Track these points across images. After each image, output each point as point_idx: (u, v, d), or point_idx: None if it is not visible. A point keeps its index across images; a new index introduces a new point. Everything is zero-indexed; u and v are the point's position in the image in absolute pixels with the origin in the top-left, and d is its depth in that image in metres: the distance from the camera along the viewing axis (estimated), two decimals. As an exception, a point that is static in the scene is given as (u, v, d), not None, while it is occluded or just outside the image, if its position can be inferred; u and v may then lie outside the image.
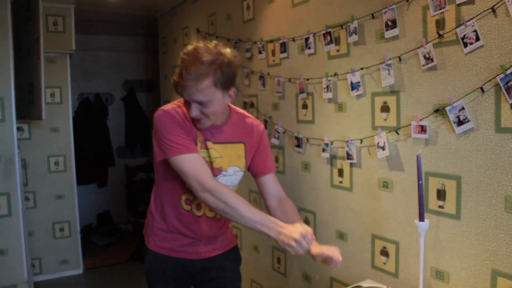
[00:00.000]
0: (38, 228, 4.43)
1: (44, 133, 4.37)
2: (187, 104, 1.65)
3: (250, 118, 1.93)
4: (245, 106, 3.22)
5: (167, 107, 1.77)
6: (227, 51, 1.65)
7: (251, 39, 3.11)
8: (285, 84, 2.80)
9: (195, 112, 1.64)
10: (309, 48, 2.53)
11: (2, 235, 3.22)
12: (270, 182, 1.93)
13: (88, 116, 5.89)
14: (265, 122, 2.98)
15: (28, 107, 3.67)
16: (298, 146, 2.70)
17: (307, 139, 2.63)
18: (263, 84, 3.00)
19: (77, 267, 4.63)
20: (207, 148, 1.76)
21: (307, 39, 2.54)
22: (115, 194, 6.38)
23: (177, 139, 1.68)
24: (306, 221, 2.69)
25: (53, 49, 4.26)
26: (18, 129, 3.92)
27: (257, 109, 3.10)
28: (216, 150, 1.78)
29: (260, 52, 2.99)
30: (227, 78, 1.62)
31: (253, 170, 1.94)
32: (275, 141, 2.89)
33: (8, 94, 3.19)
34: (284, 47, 2.74)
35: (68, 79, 4.45)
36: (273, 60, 2.89)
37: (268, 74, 2.94)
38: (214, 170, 1.77)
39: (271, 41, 2.88)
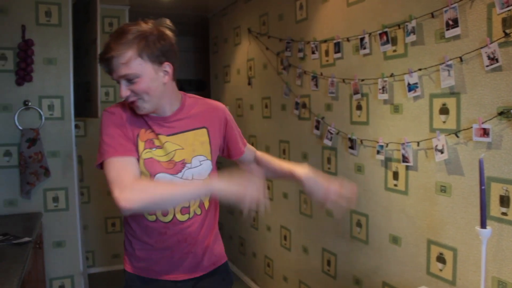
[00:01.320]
0: (91, 222, 4.60)
1: (99, 130, 4.49)
2: (119, 84, 1.50)
3: (207, 100, 1.76)
4: (297, 106, 3.21)
5: (112, 106, 1.63)
6: (160, 23, 1.54)
7: (304, 39, 3.09)
8: (338, 85, 2.76)
9: (124, 91, 1.49)
10: (364, 48, 2.48)
11: (61, 228, 3.35)
12: (247, 157, 1.88)
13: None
14: (318, 122, 2.96)
15: (84, 105, 3.80)
16: (352, 147, 2.66)
17: (361, 141, 2.58)
18: (316, 85, 2.98)
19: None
20: (159, 146, 1.59)
21: (362, 39, 2.49)
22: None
23: (109, 141, 1.52)
24: (359, 224, 2.65)
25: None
26: (75, 126, 4.07)
27: (310, 110, 3.08)
28: (173, 142, 1.61)
29: (313, 52, 2.97)
30: (156, 50, 1.48)
31: (227, 154, 1.82)
32: (327, 142, 2.86)
33: (68, 93, 3.31)
34: (338, 47, 2.71)
35: (123, 78, 4.57)
36: (327, 60, 2.86)
37: (321, 74, 2.91)
38: (177, 164, 1.60)
39: (325, 41, 2.85)
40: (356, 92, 2.59)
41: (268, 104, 3.72)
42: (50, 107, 3.26)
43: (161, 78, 1.52)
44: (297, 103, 3.21)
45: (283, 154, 3.50)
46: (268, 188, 3.81)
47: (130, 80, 1.47)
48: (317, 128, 2.99)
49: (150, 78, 1.49)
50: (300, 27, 3.15)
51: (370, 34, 2.45)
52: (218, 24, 4.86)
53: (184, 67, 6.61)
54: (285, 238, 3.57)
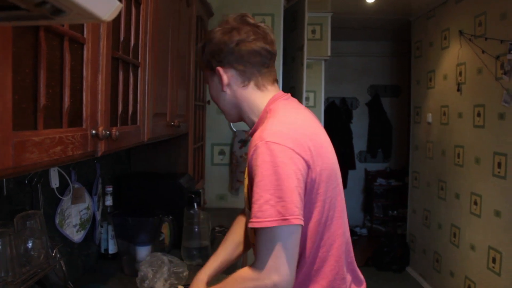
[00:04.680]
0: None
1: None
2: None
3: (260, 130, 1.21)
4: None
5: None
6: (234, 19, 1.33)
7: (534, 39, 2.74)
8: None
9: None
10: None
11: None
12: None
13: (333, 120, 6.10)
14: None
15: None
16: None
17: None
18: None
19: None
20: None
21: None
22: (352, 196, 6.47)
23: None
24: None
25: (311, 55, 4.51)
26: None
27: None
28: None
29: (546, 55, 2.61)
30: (205, 54, 1.33)
31: None
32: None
33: (276, 98, 3.49)
34: None
35: (322, 84, 4.67)
36: None
37: (556, 79, 2.54)
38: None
39: None
40: None
41: (481, 112, 3.39)
42: (260, 111, 3.48)
43: (218, 85, 1.35)
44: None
45: (498, 167, 3.15)
46: (476, 203, 3.47)
47: None
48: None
49: (211, 86, 1.39)
50: (528, 26, 2.80)
51: None
52: (422, 27, 4.63)
53: (379, 72, 6.49)
54: (493, 261, 3.21)
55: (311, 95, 4.66)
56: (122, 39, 1.31)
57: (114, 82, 1.26)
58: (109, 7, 0.57)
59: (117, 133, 1.15)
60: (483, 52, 3.32)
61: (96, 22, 0.85)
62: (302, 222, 1.10)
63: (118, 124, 1.31)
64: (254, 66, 1.30)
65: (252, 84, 1.31)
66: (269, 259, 1.09)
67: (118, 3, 0.59)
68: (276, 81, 1.38)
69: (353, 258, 1.39)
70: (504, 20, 3.08)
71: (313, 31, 4.65)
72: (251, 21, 1.33)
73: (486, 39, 3.27)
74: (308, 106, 4.62)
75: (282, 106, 1.29)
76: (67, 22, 0.82)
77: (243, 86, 1.31)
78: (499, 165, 3.15)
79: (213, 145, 3.47)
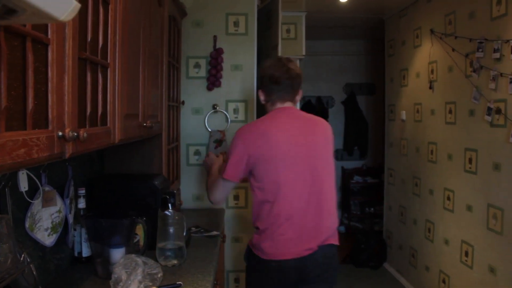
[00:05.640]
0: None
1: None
2: None
3: None
4: (489, 112, 2.92)
5: None
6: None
7: (501, 37, 2.80)
8: (545, 88, 2.44)
9: None
10: None
11: (239, 225, 3.55)
12: None
13: (310, 118, 6.13)
14: (515, 130, 2.65)
15: (263, 109, 3.97)
16: (560, 160, 2.32)
17: None
18: (515, 88, 2.68)
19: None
20: None
21: None
22: (330, 195, 6.51)
23: None
24: None
25: (286, 54, 4.52)
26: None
27: (505, 116, 2.78)
28: None
29: (513, 52, 2.67)
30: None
31: None
32: (527, 153, 2.55)
33: (252, 98, 3.49)
34: (546, 46, 2.39)
35: (298, 82, 4.69)
36: (530, 61, 2.55)
37: (523, 76, 2.61)
38: None
39: (529, 39, 2.54)
40: None
41: (453, 109, 3.46)
42: (235, 111, 3.48)
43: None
44: (489, 109, 2.92)
45: (469, 163, 3.22)
46: (449, 199, 3.54)
47: None
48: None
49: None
50: (496, 24, 2.86)
51: None
52: (395, 26, 4.70)
53: (355, 70, 6.56)
54: (466, 254, 3.28)
55: (287, 94, 4.68)
56: (89, 39, 1.29)
57: (81, 83, 1.24)
58: (65, 7, 0.57)
59: (85, 134, 1.14)
60: (453, 50, 3.39)
61: (53, 22, 0.84)
62: (230, 178, 2.09)
63: (87, 126, 1.29)
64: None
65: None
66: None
67: (75, 3, 0.58)
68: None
69: (320, 217, 2.04)
70: (472, 19, 3.15)
71: (288, 30, 4.67)
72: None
73: (456, 37, 3.34)
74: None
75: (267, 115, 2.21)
76: (23, 22, 0.81)
77: (267, 103, 2.26)
78: (470, 160, 3.22)
79: (189, 145, 3.45)
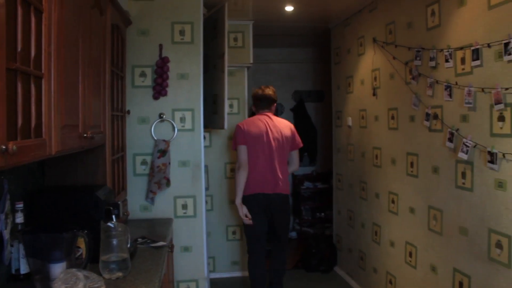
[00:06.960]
0: (214, 229, 4.78)
1: (223, 141, 4.70)
2: None
3: None
4: (427, 117, 3.04)
5: None
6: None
7: (436, 47, 2.93)
8: (476, 94, 2.57)
9: None
10: (510, 54, 2.28)
11: (188, 234, 3.53)
12: None
13: (260, 126, 6.17)
14: (451, 135, 2.78)
15: (211, 117, 3.98)
16: (491, 162, 2.45)
17: (503, 155, 2.37)
18: (450, 95, 2.80)
19: (245, 269, 4.86)
20: None
21: (507, 44, 2.29)
22: (282, 201, 6.56)
23: None
24: (499, 245, 2.43)
25: (234, 63, 4.56)
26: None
27: (442, 121, 2.90)
28: None
29: (447, 61, 2.80)
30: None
31: None
32: (462, 156, 2.67)
33: (198, 106, 3.49)
34: (476, 54, 2.52)
35: (246, 91, 4.73)
36: (463, 69, 2.67)
37: (456, 83, 2.73)
38: None
39: (461, 48, 2.67)
40: (498, 102, 2.38)
41: (395, 115, 3.58)
42: (182, 119, 3.46)
43: None
44: (427, 114, 3.05)
45: (411, 167, 3.34)
46: (393, 202, 3.66)
47: None
48: (450, 140, 2.80)
49: None
50: (431, 34, 3.00)
51: (516, 39, 2.25)
52: (340, 35, 4.82)
53: (304, 78, 6.67)
54: (410, 255, 3.39)
55: (235, 102, 4.70)
56: (19, 49, 1.26)
57: (11, 95, 1.20)
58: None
59: (14, 147, 1.11)
60: (394, 58, 3.51)
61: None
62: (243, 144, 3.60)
63: (18, 138, 1.26)
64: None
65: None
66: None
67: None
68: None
69: (274, 176, 3.63)
70: (410, 28, 3.28)
71: (235, 39, 4.71)
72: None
73: (396, 46, 3.47)
74: (232, 114, 4.65)
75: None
76: None
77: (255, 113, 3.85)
78: (412, 164, 3.34)
79: (135, 155, 3.41)
